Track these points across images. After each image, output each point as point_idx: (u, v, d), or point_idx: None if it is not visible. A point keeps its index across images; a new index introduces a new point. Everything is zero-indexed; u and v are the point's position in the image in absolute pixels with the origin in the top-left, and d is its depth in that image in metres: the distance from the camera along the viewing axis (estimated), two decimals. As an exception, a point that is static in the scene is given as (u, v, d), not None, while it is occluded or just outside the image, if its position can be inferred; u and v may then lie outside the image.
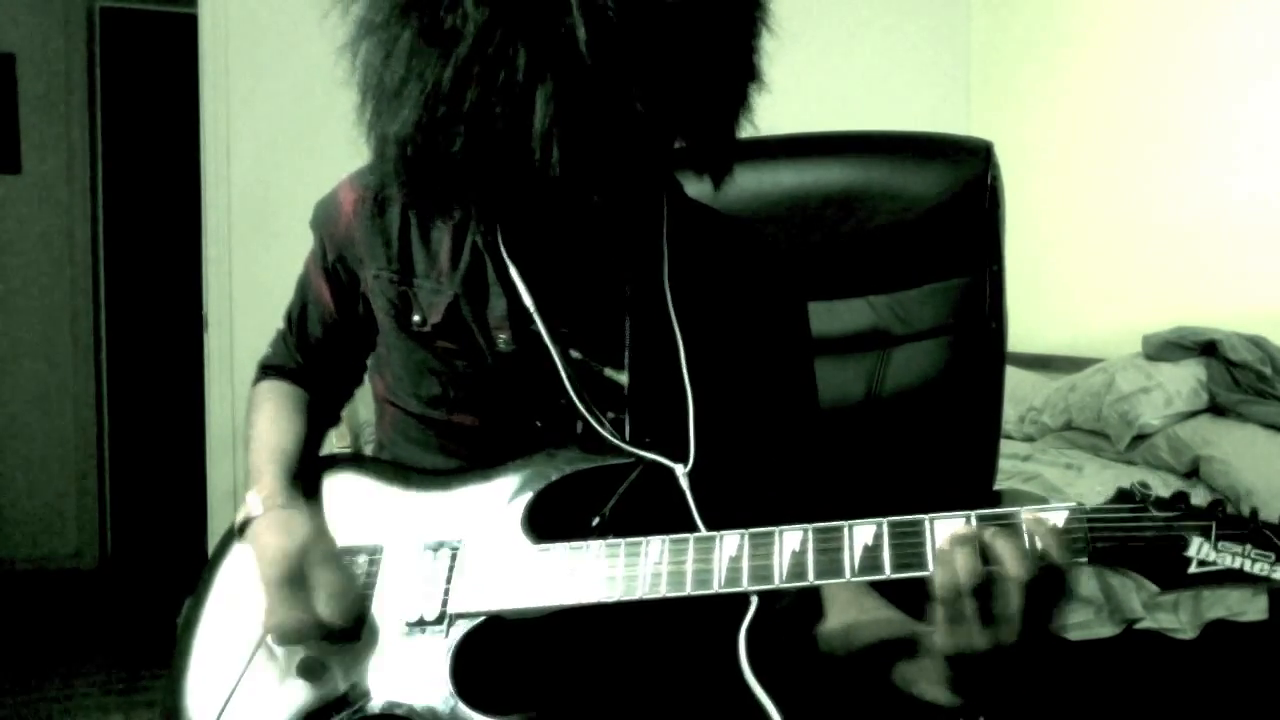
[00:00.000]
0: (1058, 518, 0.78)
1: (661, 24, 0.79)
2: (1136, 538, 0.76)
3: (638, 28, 0.77)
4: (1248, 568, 0.73)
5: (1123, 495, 0.78)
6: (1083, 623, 2.23)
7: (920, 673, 0.89)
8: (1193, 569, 0.74)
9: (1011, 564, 0.76)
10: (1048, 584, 0.77)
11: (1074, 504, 0.78)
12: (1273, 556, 0.72)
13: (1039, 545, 0.77)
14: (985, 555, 0.77)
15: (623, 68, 0.77)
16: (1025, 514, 0.79)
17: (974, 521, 0.80)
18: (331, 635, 0.93)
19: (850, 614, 0.99)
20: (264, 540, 0.97)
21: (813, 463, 1.08)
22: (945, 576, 0.78)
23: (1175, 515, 0.76)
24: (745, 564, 0.85)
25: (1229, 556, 0.73)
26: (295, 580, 0.93)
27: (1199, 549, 0.74)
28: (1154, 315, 2.94)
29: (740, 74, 0.88)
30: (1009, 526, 0.78)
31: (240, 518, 1.02)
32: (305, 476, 1.08)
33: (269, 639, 0.95)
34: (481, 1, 0.77)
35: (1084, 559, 0.76)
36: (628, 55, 0.77)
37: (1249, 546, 0.73)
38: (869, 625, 0.97)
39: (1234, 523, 0.74)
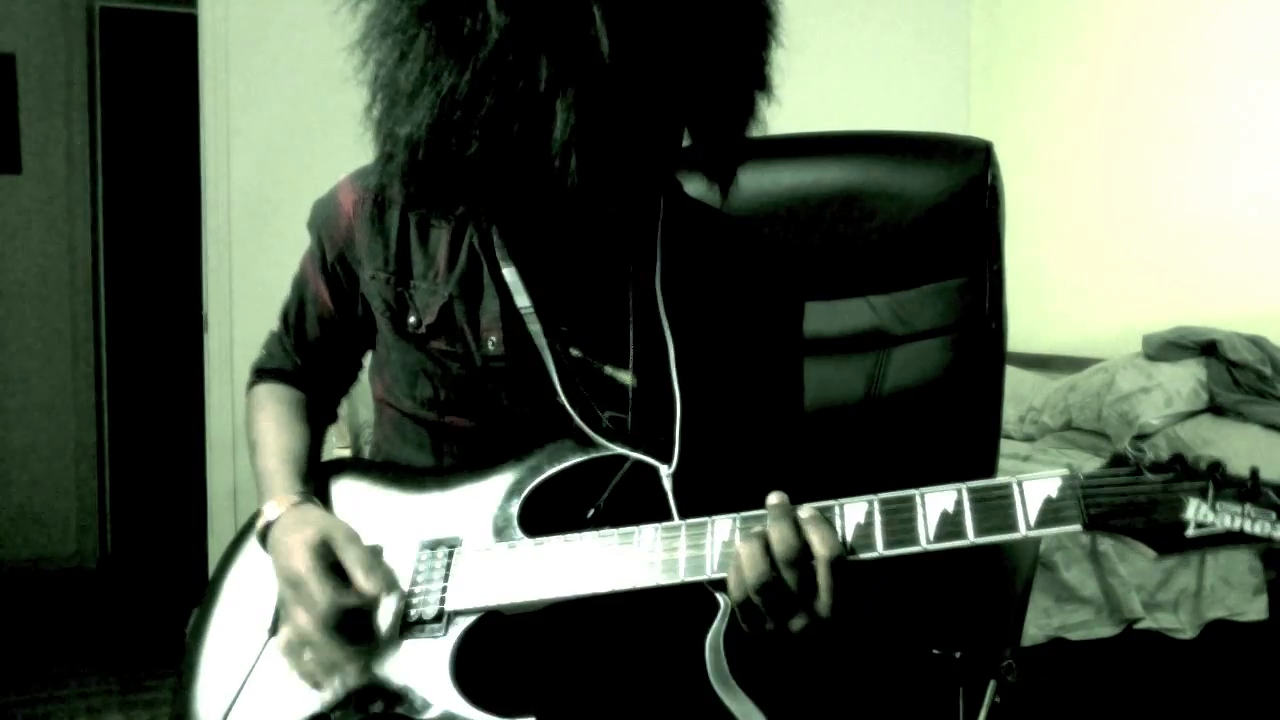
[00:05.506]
0: (1050, 485, 0.76)
1: (683, 35, 0.79)
2: (1131, 502, 0.74)
3: (660, 38, 0.77)
4: (1248, 528, 0.70)
5: (1117, 460, 0.76)
6: (1083, 623, 2.23)
7: None
8: (1190, 531, 0.71)
9: (820, 545, 0.79)
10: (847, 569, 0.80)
11: (1066, 471, 0.77)
12: (1273, 515, 0.70)
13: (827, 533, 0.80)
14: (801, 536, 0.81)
15: (644, 78, 0.77)
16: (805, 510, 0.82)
17: (964, 494, 0.79)
18: (354, 626, 0.92)
19: None
20: (287, 539, 0.96)
21: (795, 465, 1.07)
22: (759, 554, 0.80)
23: (1171, 477, 0.73)
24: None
25: (1228, 517, 0.70)
26: (326, 568, 0.92)
27: (1196, 510, 0.71)
28: (1154, 315, 2.94)
29: (753, 85, 0.89)
30: (820, 515, 0.81)
31: (260, 525, 1.02)
32: (312, 479, 1.09)
33: (310, 633, 0.91)
34: (504, 8, 0.76)
35: (1078, 526, 0.74)
36: (650, 66, 0.77)
37: (1249, 506, 0.70)
38: None
39: (1232, 482, 0.71)
